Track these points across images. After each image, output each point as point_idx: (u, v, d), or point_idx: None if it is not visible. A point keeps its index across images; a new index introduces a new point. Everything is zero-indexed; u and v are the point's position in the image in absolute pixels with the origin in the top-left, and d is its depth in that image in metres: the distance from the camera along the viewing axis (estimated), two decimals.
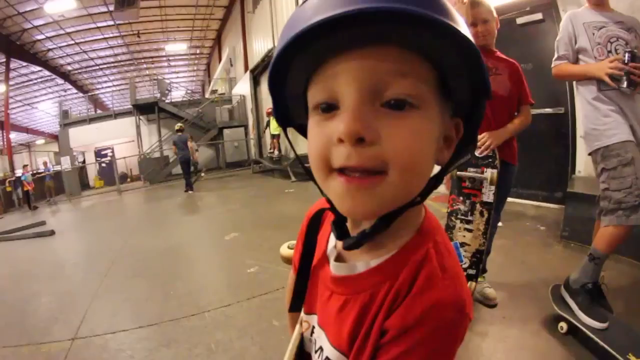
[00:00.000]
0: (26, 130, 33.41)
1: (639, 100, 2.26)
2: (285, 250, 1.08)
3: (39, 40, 22.32)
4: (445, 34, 0.45)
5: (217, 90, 25.68)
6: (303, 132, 0.61)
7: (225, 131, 19.98)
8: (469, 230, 2.63)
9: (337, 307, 0.64)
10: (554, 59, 2.55)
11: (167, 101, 20.93)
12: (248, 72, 18.46)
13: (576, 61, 2.46)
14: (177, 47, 28.13)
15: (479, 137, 2.47)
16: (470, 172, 2.60)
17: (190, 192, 12.08)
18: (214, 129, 19.76)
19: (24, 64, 23.65)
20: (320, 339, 0.69)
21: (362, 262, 0.62)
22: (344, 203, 0.53)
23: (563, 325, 2.33)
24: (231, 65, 23.45)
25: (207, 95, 27.08)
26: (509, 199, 4.75)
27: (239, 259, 4.71)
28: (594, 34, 2.34)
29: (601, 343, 2.03)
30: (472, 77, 0.52)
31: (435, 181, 0.59)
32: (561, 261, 2.85)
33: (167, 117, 20.37)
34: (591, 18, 2.39)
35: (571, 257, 3.00)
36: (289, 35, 0.47)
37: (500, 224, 3.28)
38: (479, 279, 2.79)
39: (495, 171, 2.52)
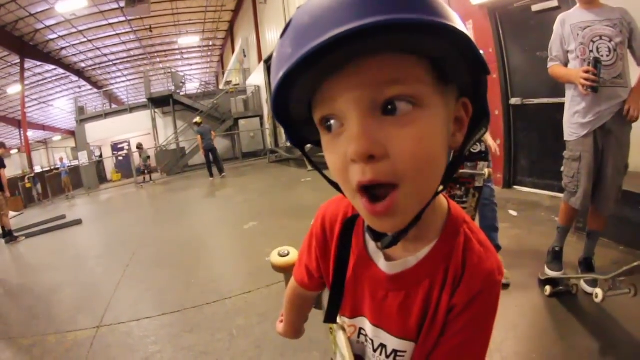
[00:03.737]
0: (42, 127, 33.87)
1: (607, 91, 2.49)
2: (276, 258, 1.07)
3: (51, 39, 22.49)
4: (438, 33, 0.45)
5: (231, 81, 25.69)
6: (318, 145, 0.61)
7: (241, 122, 19.92)
8: (464, 208, 3.00)
9: (398, 303, 0.69)
10: (548, 59, 2.81)
11: (181, 93, 21.00)
12: (262, 62, 18.40)
13: (567, 62, 2.69)
14: (190, 39, 28.12)
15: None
16: (467, 169, 2.88)
17: (211, 178, 12.96)
18: (229, 119, 19.78)
19: (38, 63, 23.82)
20: (380, 337, 0.73)
21: (412, 256, 0.67)
22: (374, 224, 0.57)
23: (547, 288, 2.82)
24: (244, 56, 23.41)
25: (221, 87, 27.10)
26: (525, 189, 5.48)
27: (258, 248, 4.74)
28: (578, 34, 2.56)
29: (552, 274, 2.84)
30: (468, 59, 0.51)
31: (454, 166, 0.60)
32: (573, 251, 2.86)
33: (182, 109, 20.48)
34: (578, 19, 2.59)
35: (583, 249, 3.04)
36: (280, 69, 0.47)
37: (514, 213, 4.40)
38: None
39: (487, 164, 2.89)
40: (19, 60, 21.63)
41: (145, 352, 2.82)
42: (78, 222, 8.83)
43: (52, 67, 25.50)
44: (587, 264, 2.75)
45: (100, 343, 3.03)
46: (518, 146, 5.63)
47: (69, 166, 18.26)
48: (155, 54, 30.62)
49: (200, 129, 13.33)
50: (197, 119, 14.12)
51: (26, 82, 23.74)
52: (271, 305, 3.20)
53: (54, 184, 17.12)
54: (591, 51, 2.50)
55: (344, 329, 0.79)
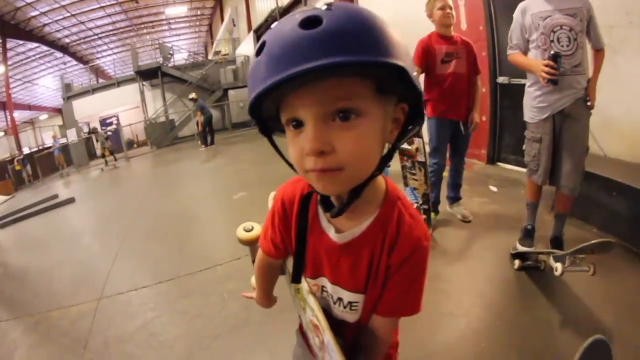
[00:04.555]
0: (28, 107, 33.14)
1: (567, 79, 2.61)
2: (242, 233, 1.23)
3: (33, 16, 21.99)
4: (370, 64, 0.60)
5: (220, 51, 25.28)
6: (282, 132, 0.78)
7: (230, 92, 19.81)
8: (416, 180, 3.64)
9: (348, 265, 0.88)
10: (508, 47, 2.91)
11: (170, 65, 20.72)
12: (252, 32, 18.22)
13: (527, 50, 2.80)
14: (177, 10, 27.68)
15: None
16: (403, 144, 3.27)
17: (204, 147, 13.75)
18: (218, 90, 19.60)
19: (21, 42, 23.38)
20: (338, 292, 0.94)
21: (356, 228, 0.85)
22: (319, 186, 0.72)
23: (516, 262, 3.01)
24: (234, 25, 23.08)
25: (210, 57, 26.74)
26: (508, 166, 5.61)
27: (247, 217, 4.76)
28: (539, 24, 2.64)
29: (522, 249, 3.01)
30: (404, 79, 0.66)
31: (389, 157, 0.77)
32: (546, 231, 3.02)
33: (170, 81, 20.24)
34: (539, 8, 2.65)
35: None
36: (256, 87, 0.63)
37: (494, 189, 4.75)
38: (455, 204, 4.05)
39: (419, 140, 3.39)
40: (0, 41, 21.27)
41: (144, 318, 3.02)
42: (71, 200, 8.84)
43: (36, 44, 25.02)
44: (556, 242, 2.89)
45: (102, 313, 3.21)
46: (504, 124, 5.67)
47: (60, 144, 18.08)
48: (142, 26, 30.07)
49: (199, 104, 14.04)
50: (193, 95, 14.48)
51: (9, 62, 23.31)
52: None
53: (44, 164, 16.98)
54: (552, 41, 2.60)
55: (310, 288, 0.97)
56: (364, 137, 0.68)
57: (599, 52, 2.72)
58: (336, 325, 0.93)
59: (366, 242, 0.85)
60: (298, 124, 0.69)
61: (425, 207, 3.62)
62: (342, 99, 0.64)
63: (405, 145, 3.45)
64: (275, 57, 0.60)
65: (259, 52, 0.64)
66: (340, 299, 0.94)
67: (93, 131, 15.44)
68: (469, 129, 3.70)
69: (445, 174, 3.93)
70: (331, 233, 0.89)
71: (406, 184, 3.77)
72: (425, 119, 3.19)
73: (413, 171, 3.62)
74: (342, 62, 0.57)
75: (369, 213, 0.85)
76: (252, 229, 1.25)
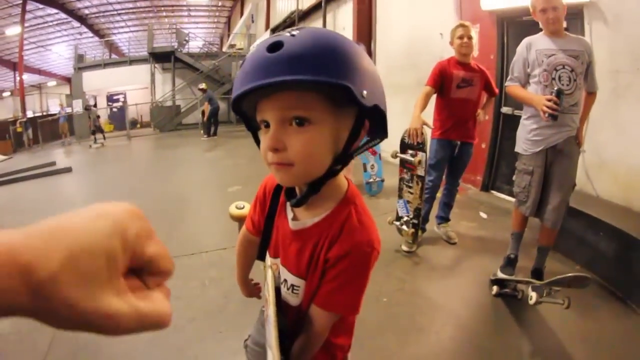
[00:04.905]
0: (38, 71, 33.22)
1: (563, 117, 2.68)
2: (234, 209, 1.43)
3: None
4: (307, 82, 0.74)
5: (235, 45, 25.34)
6: None
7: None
8: (411, 193, 3.74)
9: (296, 250, 1.00)
10: (508, 78, 3.02)
11: (184, 51, 20.75)
12: (269, 30, 18.23)
13: (527, 83, 2.90)
14: None
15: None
16: (407, 155, 3.66)
17: (206, 137, 13.88)
18: (228, 82, 19.42)
19: (41, 6, 23.41)
20: (284, 273, 1.05)
21: (309, 219, 0.98)
22: (277, 177, 0.88)
23: (494, 288, 3.09)
24: (252, 21, 23.10)
25: (224, 49, 26.81)
26: (501, 195, 5.64)
27: None
28: (543, 61, 2.74)
29: (502, 276, 3.07)
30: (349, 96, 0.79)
31: (344, 159, 0.89)
32: (529, 262, 3.05)
33: (182, 67, 20.27)
34: (545, 45, 2.77)
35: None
36: (234, 92, 0.81)
37: (484, 215, 4.83)
38: (443, 225, 4.12)
39: (423, 155, 3.55)
40: (21, 1, 21.24)
41: None
42: (68, 169, 8.92)
43: (55, 11, 25.06)
44: (537, 274, 2.94)
45: None
46: (502, 153, 5.67)
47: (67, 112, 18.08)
48: (162, 9, 30.15)
49: (208, 95, 14.45)
50: (203, 85, 14.77)
51: (26, 25, 23.33)
52: None
53: (46, 130, 17.02)
54: (553, 79, 2.70)
55: (270, 266, 1.10)
56: (312, 141, 0.82)
57: (591, 94, 2.88)
58: (283, 307, 1.06)
59: (314, 234, 0.96)
60: (267, 125, 0.85)
61: (415, 221, 3.70)
62: (298, 108, 0.80)
63: (408, 157, 3.64)
64: (246, 73, 0.78)
65: (241, 66, 0.82)
66: (285, 280, 1.05)
67: (86, 108, 15.20)
68: (468, 151, 3.88)
69: (439, 194, 4.03)
70: (289, 220, 1.02)
71: (400, 196, 3.86)
72: (429, 138, 3.49)
73: (410, 184, 3.74)
74: (283, 80, 0.73)
75: (324, 209, 0.97)
76: (243, 207, 1.49)
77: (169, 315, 0.40)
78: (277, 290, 1.08)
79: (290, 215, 1.03)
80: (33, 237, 0.33)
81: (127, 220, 0.38)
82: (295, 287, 1.03)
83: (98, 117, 15.84)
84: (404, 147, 3.72)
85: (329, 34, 0.81)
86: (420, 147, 3.57)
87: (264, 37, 19.22)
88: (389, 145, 3.26)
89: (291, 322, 1.06)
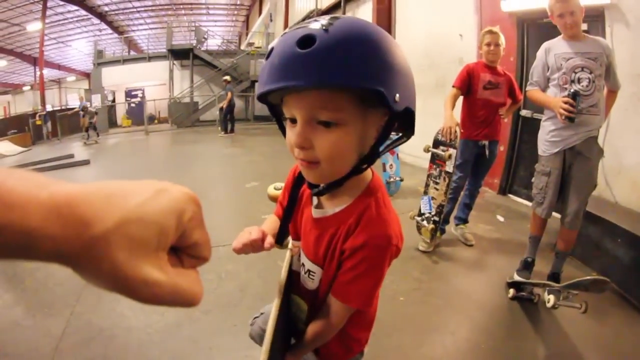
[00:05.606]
0: (58, 67, 33.72)
1: (582, 118, 2.71)
2: (272, 190, 1.48)
3: None
4: (342, 86, 0.75)
5: (253, 43, 25.37)
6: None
7: (257, 84, 19.71)
8: (437, 189, 3.80)
9: (315, 237, 1.02)
10: (528, 83, 3.07)
11: (202, 49, 20.86)
12: (287, 29, 18.26)
13: (547, 87, 2.94)
14: None
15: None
16: (439, 150, 3.75)
17: (223, 133, 14.07)
18: (246, 80, 19.60)
19: (61, 2, 23.77)
20: (303, 258, 1.08)
21: (331, 209, 0.99)
22: (303, 172, 0.92)
23: (511, 291, 3.06)
24: (271, 20, 23.12)
25: (242, 47, 26.89)
26: (518, 199, 5.63)
27: (256, 205, 5.02)
28: (562, 64, 2.78)
29: (519, 278, 3.08)
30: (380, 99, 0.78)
31: (371, 158, 0.90)
32: (546, 268, 3.03)
33: (201, 64, 20.37)
34: (563, 49, 2.81)
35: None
36: (261, 85, 0.81)
37: (501, 218, 4.85)
38: (461, 226, 4.15)
39: (454, 151, 3.63)
40: None
41: None
42: (86, 162, 9.04)
43: (75, 7, 25.39)
44: (553, 279, 2.93)
45: None
46: (520, 157, 5.67)
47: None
48: (181, 6, 30.35)
49: (230, 87, 14.58)
50: (227, 77, 14.93)
51: (47, 21, 23.67)
52: (259, 257, 3.37)
53: (65, 124, 17.20)
54: (572, 81, 2.72)
55: (290, 248, 1.15)
56: (339, 141, 0.83)
57: (613, 92, 2.91)
58: (302, 289, 1.11)
59: (333, 223, 0.98)
60: (293, 120, 0.86)
61: (436, 219, 3.74)
62: (324, 108, 0.80)
63: (439, 152, 3.74)
64: (275, 67, 0.76)
65: (268, 56, 0.80)
66: (303, 264, 1.08)
67: (83, 109, 15.09)
68: (495, 149, 3.94)
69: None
70: (313, 206, 1.04)
71: (426, 192, 3.93)
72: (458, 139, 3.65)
73: (437, 180, 3.81)
74: (314, 83, 0.73)
75: (346, 200, 0.97)
76: (280, 188, 1.47)
77: (201, 295, 0.41)
78: (297, 275, 1.13)
79: (315, 202, 1.05)
80: (93, 194, 0.34)
81: (185, 203, 0.40)
82: (311, 273, 1.05)
83: (96, 113, 15.86)
84: (437, 144, 3.81)
85: (364, 30, 0.77)
86: (452, 144, 3.65)
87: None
88: (408, 146, 3.25)
89: (308, 305, 1.10)
